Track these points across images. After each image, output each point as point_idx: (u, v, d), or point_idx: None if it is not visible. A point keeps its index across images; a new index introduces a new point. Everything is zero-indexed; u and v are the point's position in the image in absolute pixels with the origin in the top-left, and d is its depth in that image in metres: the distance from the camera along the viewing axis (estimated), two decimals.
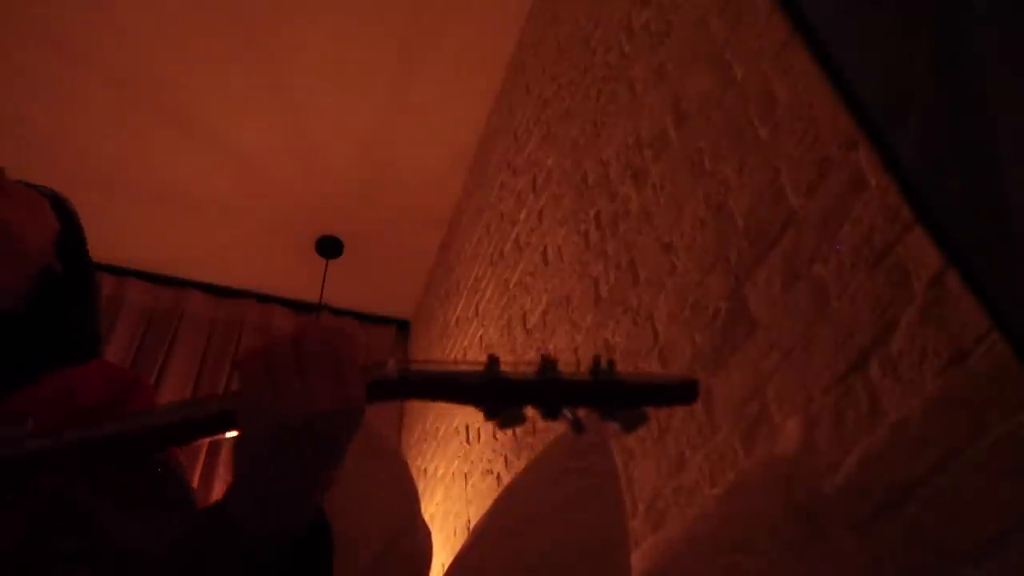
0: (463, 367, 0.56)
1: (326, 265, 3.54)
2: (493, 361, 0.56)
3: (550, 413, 0.56)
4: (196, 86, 2.92)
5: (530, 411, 0.57)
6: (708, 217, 1.30)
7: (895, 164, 0.57)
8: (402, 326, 3.93)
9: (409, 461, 3.16)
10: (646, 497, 1.29)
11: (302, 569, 0.60)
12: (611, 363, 0.56)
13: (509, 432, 2.03)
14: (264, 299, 3.73)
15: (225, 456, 3.13)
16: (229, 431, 0.57)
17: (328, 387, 0.53)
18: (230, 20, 2.71)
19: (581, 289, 1.79)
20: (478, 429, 2.36)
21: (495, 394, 0.55)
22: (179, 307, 3.56)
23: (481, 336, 2.58)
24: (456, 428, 2.61)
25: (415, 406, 3.42)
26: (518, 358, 2.14)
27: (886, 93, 0.55)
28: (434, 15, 2.71)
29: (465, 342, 2.77)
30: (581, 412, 0.57)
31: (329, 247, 3.53)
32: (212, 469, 3.13)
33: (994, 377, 0.71)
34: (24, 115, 2.92)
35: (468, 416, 2.50)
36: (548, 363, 0.56)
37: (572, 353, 1.76)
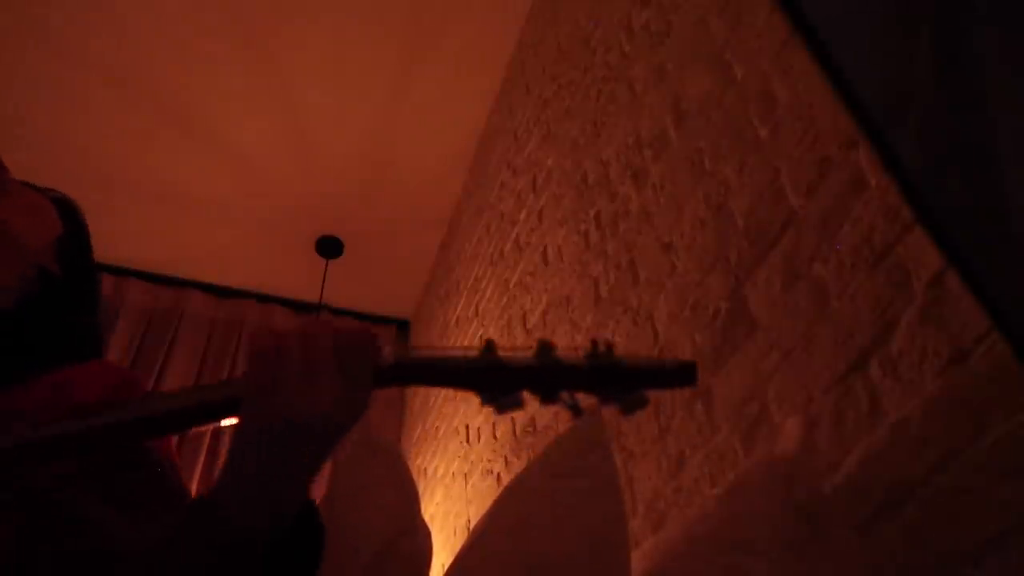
0: (459, 352, 0.56)
1: (326, 265, 3.54)
2: (489, 345, 0.55)
3: (547, 397, 0.55)
4: (196, 86, 2.92)
5: (528, 399, 0.56)
6: (708, 217, 1.30)
7: (895, 164, 0.57)
8: (402, 326, 3.93)
9: (409, 461, 3.16)
10: (646, 497, 1.29)
11: (290, 559, 0.60)
12: (610, 346, 0.55)
13: (509, 432, 2.03)
14: (264, 299, 3.74)
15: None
16: (232, 418, 0.57)
17: (335, 390, 0.54)
18: (230, 21, 2.71)
19: (581, 289, 1.79)
20: (478, 429, 2.36)
21: (491, 378, 0.55)
22: (179, 307, 3.56)
23: (481, 336, 2.59)
24: (456, 428, 2.61)
25: (416, 405, 3.42)
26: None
27: (886, 93, 0.55)
28: (434, 15, 2.71)
29: (465, 342, 2.77)
30: (580, 396, 0.56)
31: (329, 247, 3.53)
32: (213, 467, 3.13)
33: (994, 377, 0.71)
34: (24, 115, 2.92)
35: (468, 416, 2.50)
36: (545, 347, 0.55)
37: (569, 349, 1.76)
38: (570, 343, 1.78)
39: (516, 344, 2.19)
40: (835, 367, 0.93)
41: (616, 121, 1.81)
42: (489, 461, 2.17)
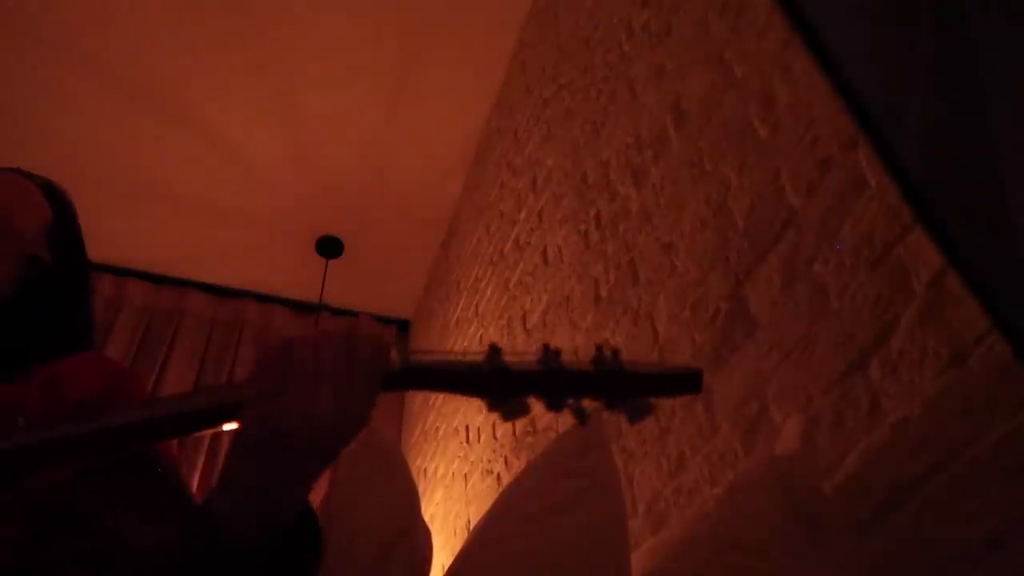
0: (466, 358, 0.55)
1: (326, 265, 3.54)
2: (495, 351, 0.55)
3: (553, 404, 0.55)
4: (197, 86, 2.92)
5: (533, 402, 0.56)
6: (708, 217, 1.30)
7: (895, 164, 0.57)
8: (402, 326, 3.93)
9: (409, 461, 3.16)
10: (646, 497, 1.29)
11: (288, 566, 0.59)
12: (615, 352, 0.55)
13: (509, 432, 2.03)
14: (264, 299, 3.73)
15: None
16: (229, 424, 0.56)
17: (341, 402, 0.53)
18: (231, 21, 2.71)
19: (581, 289, 1.79)
20: (478, 429, 2.36)
21: (498, 385, 0.54)
22: (179, 307, 3.56)
23: (481, 336, 2.58)
24: (456, 428, 2.61)
25: (415, 406, 3.42)
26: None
27: (886, 93, 0.55)
28: (434, 16, 2.71)
29: (465, 342, 2.77)
30: (585, 403, 0.56)
31: (329, 247, 3.53)
32: (213, 467, 3.13)
33: (994, 377, 0.71)
34: (23, 115, 2.92)
35: (468, 416, 2.50)
36: (551, 353, 0.54)
37: (572, 354, 1.76)
38: (570, 343, 1.78)
39: (516, 345, 2.19)
40: (835, 367, 0.93)
41: (616, 121, 1.81)
42: (489, 461, 2.17)
